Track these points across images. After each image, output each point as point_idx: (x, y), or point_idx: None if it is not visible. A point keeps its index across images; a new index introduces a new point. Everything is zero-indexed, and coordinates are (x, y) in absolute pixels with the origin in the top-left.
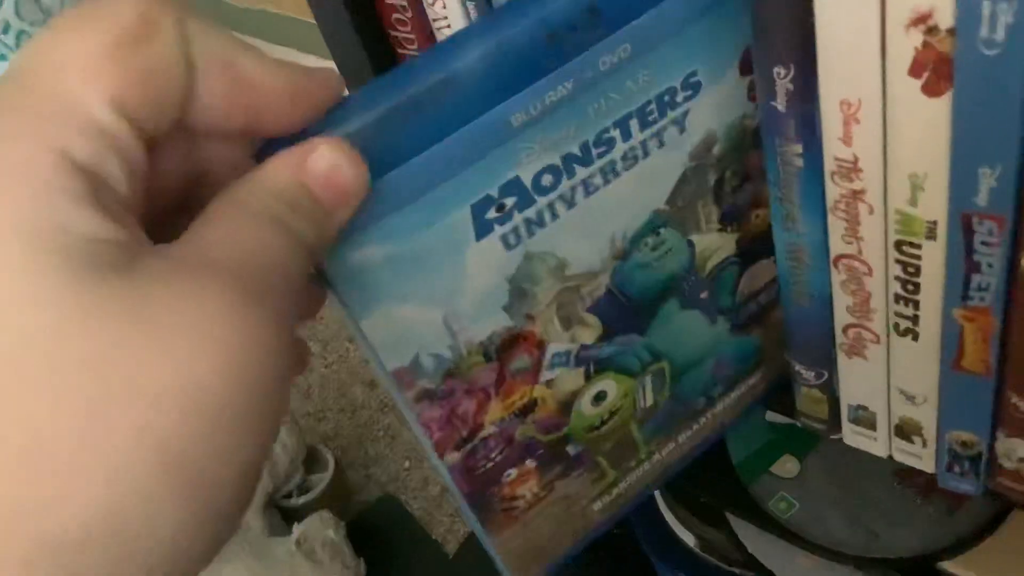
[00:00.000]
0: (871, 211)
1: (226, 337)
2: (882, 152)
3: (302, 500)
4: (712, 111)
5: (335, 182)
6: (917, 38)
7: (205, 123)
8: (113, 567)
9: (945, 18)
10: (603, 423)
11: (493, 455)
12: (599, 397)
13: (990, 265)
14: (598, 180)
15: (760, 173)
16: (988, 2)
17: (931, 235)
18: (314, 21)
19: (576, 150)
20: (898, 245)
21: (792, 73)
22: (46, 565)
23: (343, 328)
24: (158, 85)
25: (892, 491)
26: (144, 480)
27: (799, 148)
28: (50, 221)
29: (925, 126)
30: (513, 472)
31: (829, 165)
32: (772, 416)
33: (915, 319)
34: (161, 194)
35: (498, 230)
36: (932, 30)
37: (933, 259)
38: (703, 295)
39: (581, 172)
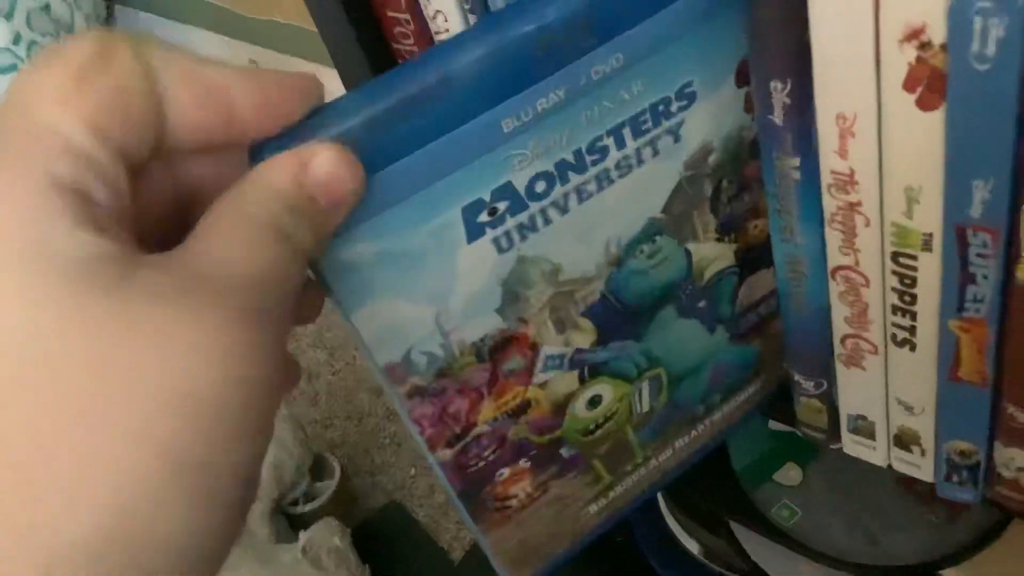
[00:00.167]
0: (867, 223)
1: (222, 350)
2: (877, 165)
3: (308, 507)
4: (708, 121)
5: (335, 186)
6: (911, 53)
7: (183, 139)
8: (129, 570)
9: (938, 33)
10: (598, 427)
11: (486, 454)
12: (594, 401)
13: (985, 276)
14: (592, 187)
15: (758, 183)
16: (979, 17)
17: (927, 247)
18: None
19: (569, 157)
20: (894, 256)
21: (789, 87)
22: (63, 574)
23: (350, 336)
24: (125, 105)
25: (894, 499)
26: (151, 483)
27: (796, 161)
28: (42, 242)
29: (919, 140)
30: (506, 471)
31: (826, 178)
32: (774, 424)
33: (912, 330)
34: (156, 214)
35: (490, 233)
36: (925, 45)
37: (929, 270)
38: (701, 304)
39: (575, 179)
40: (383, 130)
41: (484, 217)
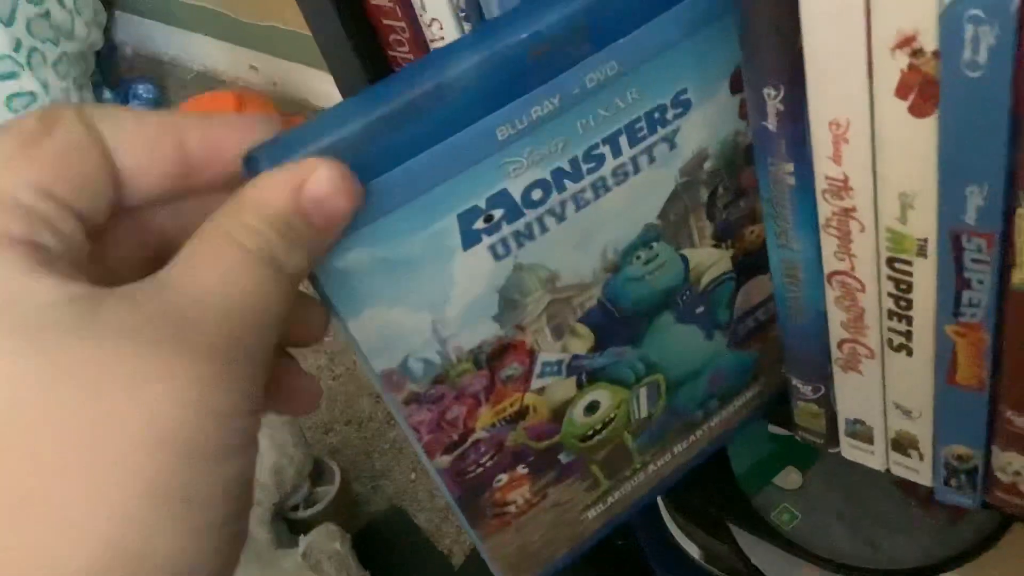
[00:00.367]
0: (862, 229)
1: (193, 387)
2: (871, 171)
3: (309, 512)
4: (703, 128)
5: (332, 205)
6: (903, 60)
7: (143, 188)
8: None
9: (929, 41)
10: (596, 433)
11: (484, 460)
12: (592, 407)
13: (980, 281)
14: (588, 195)
15: (754, 189)
16: (971, 25)
17: (922, 252)
18: None
19: (565, 165)
20: (890, 262)
21: (782, 94)
22: None
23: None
24: (70, 164)
25: (895, 503)
26: (140, 518)
27: (790, 167)
28: (1, 293)
29: (913, 146)
30: (504, 477)
31: (820, 184)
32: (774, 428)
33: (908, 335)
34: (135, 264)
35: (486, 240)
36: (917, 53)
37: (924, 276)
38: (698, 310)
39: (571, 187)
40: (379, 137)
41: (480, 224)
